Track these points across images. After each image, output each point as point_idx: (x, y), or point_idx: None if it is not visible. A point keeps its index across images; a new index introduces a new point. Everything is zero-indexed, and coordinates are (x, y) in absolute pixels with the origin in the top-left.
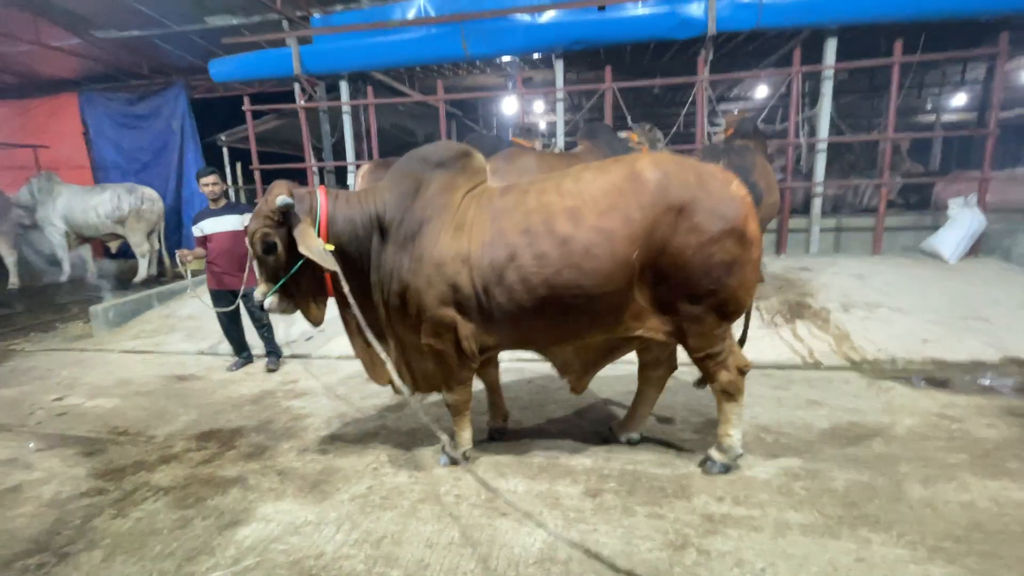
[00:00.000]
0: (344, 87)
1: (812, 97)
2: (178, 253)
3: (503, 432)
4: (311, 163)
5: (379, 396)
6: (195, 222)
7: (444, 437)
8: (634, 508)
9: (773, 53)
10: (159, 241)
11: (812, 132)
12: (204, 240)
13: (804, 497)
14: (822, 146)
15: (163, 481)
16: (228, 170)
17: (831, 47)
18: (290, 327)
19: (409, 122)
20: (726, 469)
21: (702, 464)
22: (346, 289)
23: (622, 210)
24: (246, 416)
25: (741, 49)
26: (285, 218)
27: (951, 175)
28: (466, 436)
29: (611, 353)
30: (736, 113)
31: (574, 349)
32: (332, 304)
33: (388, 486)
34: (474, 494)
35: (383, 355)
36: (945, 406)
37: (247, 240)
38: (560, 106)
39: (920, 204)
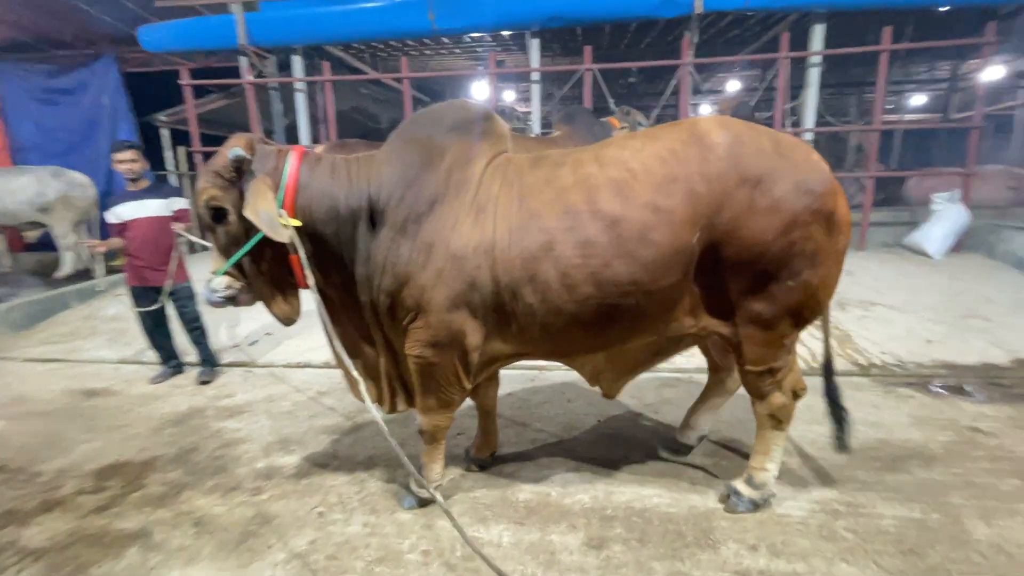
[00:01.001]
0: (297, 62)
1: (793, 90)
2: (87, 244)
3: (485, 465)
4: None
5: (331, 414)
6: (108, 207)
7: (412, 470)
8: (651, 565)
9: (756, 40)
10: (89, 233)
11: (796, 123)
12: (121, 228)
13: (852, 543)
14: (808, 136)
15: (36, 540)
16: (170, 154)
17: (819, 33)
18: (234, 327)
19: (372, 106)
20: (754, 507)
21: (726, 500)
22: (310, 280)
23: (683, 182)
24: (164, 443)
25: (724, 35)
26: (240, 176)
27: (926, 171)
28: (437, 469)
29: (656, 356)
30: (731, 97)
31: (608, 355)
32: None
33: (336, 539)
34: (447, 549)
35: (352, 371)
36: (975, 418)
37: (194, 201)
38: (536, 88)
39: (889, 200)
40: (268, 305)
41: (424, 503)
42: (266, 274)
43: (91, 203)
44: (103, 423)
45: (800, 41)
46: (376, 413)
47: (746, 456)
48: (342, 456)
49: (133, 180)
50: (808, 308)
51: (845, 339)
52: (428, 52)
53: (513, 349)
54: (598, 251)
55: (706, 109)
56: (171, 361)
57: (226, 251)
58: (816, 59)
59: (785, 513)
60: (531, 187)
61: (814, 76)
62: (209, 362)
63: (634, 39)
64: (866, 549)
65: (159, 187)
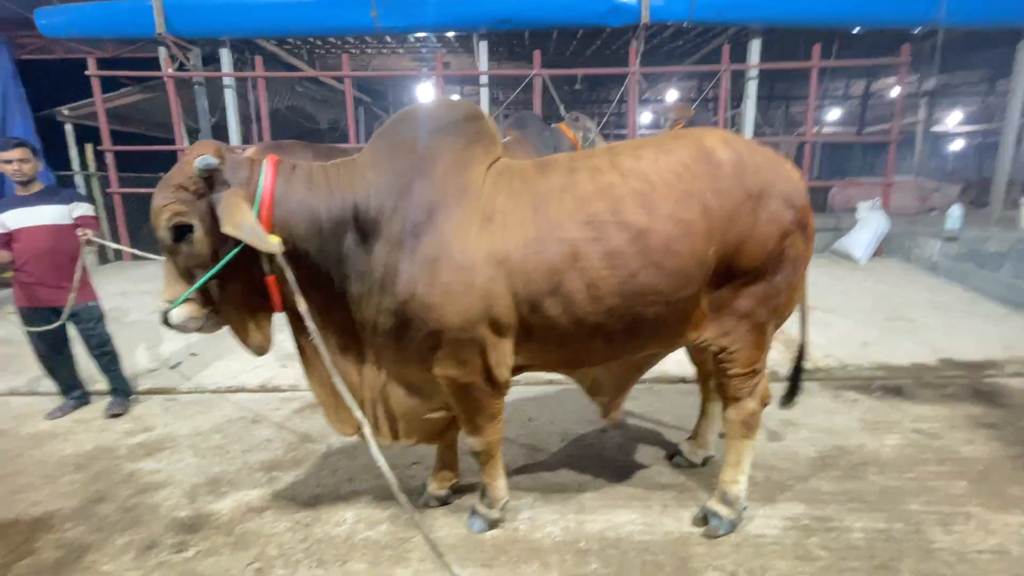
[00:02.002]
0: (225, 56)
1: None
2: None
3: (446, 500)
4: (182, 145)
5: (268, 447)
6: None
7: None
8: None
9: (695, 52)
10: None
11: (737, 132)
12: (7, 239)
13: (827, 561)
14: None
15: None
16: (74, 152)
17: (756, 47)
18: (154, 347)
19: (310, 105)
20: (733, 527)
21: (702, 523)
22: (300, 301)
23: (698, 197)
24: (62, 493)
25: (665, 45)
26: (208, 189)
27: (844, 181)
28: (502, 485)
29: (641, 368)
30: (685, 105)
31: (606, 366)
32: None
33: None
34: None
35: (349, 400)
36: (916, 420)
37: (153, 221)
38: (484, 92)
39: (815, 208)
40: (238, 334)
41: (493, 524)
42: (237, 299)
43: None
44: None
45: (736, 55)
46: (379, 457)
47: (714, 475)
48: (282, 497)
49: (23, 183)
50: (790, 307)
51: (791, 343)
52: (370, 51)
53: (524, 361)
54: (626, 261)
55: (647, 117)
56: (73, 392)
57: (188, 275)
58: (754, 72)
59: (759, 533)
60: (545, 196)
61: (752, 88)
62: (122, 391)
63: (580, 47)
64: (841, 568)
65: (55, 191)
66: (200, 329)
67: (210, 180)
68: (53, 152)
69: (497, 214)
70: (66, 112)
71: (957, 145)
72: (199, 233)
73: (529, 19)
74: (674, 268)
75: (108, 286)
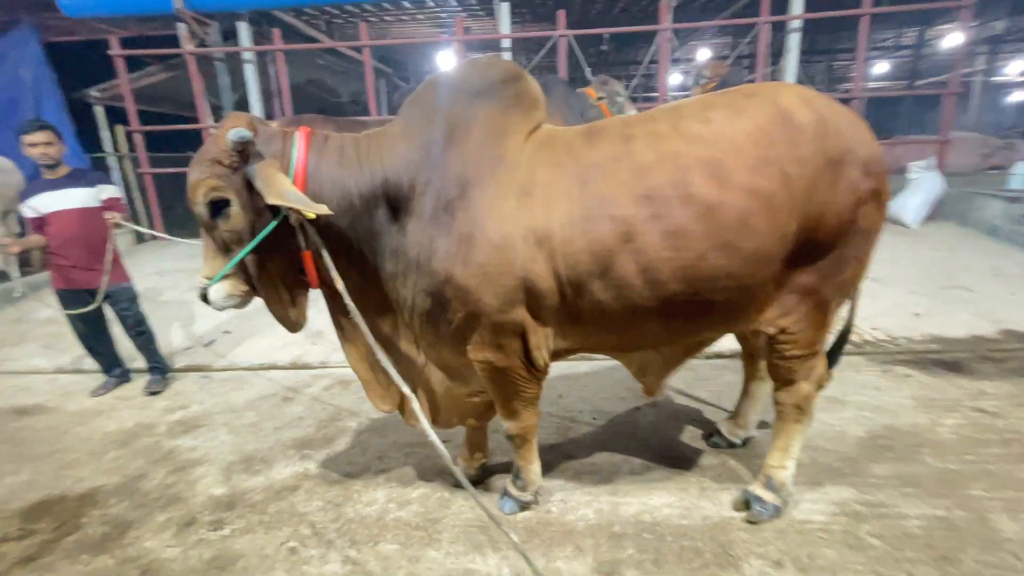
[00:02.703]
0: (244, 30)
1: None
2: None
3: (476, 479)
4: (206, 123)
5: (300, 424)
6: (24, 198)
7: (517, 477)
8: None
9: (730, 6)
10: (19, 224)
11: None
12: (40, 223)
13: (881, 551)
14: None
15: None
16: (106, 134)
17: None
18: (188, 326)
19: (331, 78)
20: (777, 513)
21: (743, 507)
22: (336, 278)
23: (776, 164)
24: (106, 470)
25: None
26: (243, 162)
27: (892, 139)
28: (535, 470)
29: (697, 347)
30: (719, 62)
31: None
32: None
33: None
34: None
35: (397, 378)
36: (975, 396)
37: (189, 197)
38: (507, 57)
39: None
40: (274, 310)
41: (525, 507)
42: (274, 274)
43: (15, 190)
44: (33, 449)
45: (775, 8)
46: (431, 433)
47: (756, 456)
48: (314, 476)
49: (49, 167)
50: (856, 282)
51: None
52: (388, 19)
53: (573, 345)
54: (692, 242)
55: (677, 78)
56: (114, 370)
57: (226, 251)
58: (796, 24)
59: (805, 519)
60: (595, 167)
61: (794, 41)
62: (159, 369)
63: (606, 5)
64: (897, 558)
65: (81, 174)
66: (238, 306)
67: (244, 153)
68: (86, 134)
69: (537, 188)
70: (95, 94)
71: (1018, 97)
72: (235, 207)
73: None
74: (752, 248)
75: (144, 266)
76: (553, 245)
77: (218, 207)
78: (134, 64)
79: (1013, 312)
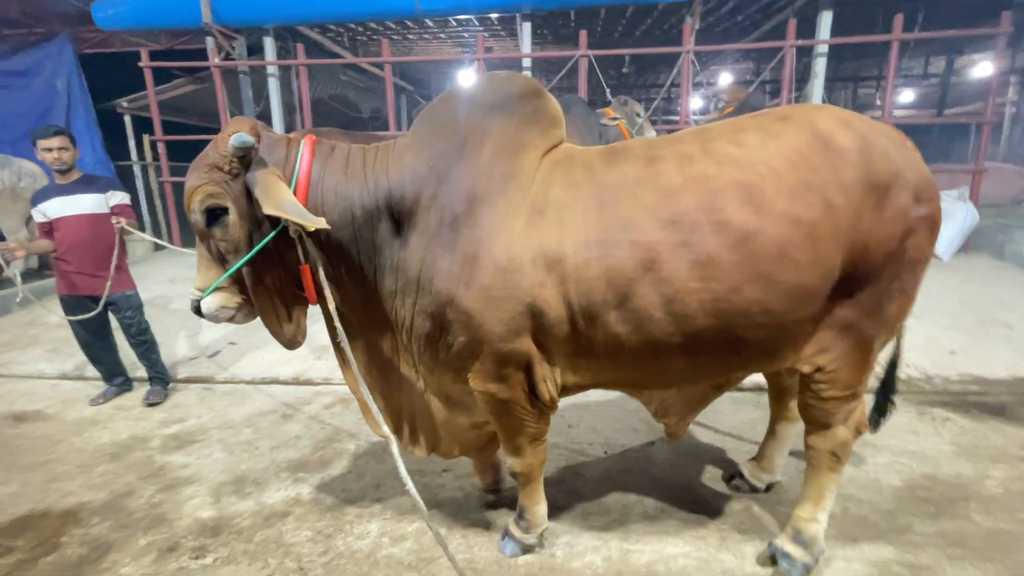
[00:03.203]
0: (269, 44)
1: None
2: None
3: (496, 489)
4: None
5: (297, 445)
6: (35, 203)
7: (521, 517)
8: None
9: (754, 31)
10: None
11: None
12: (48, 227)
13: None
14: None
15: None
16: (132, 143)
17: (826, 21)
18: (193, 336)
19: (353, 94)
20: (807, 572)
21: (770, 562)
22: (328, 295)
23: (819, 191)
24: (95, 484)
25: (721, 23)
26: (243, 169)
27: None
28: (541, 511)
29: (721, 389)
30: (739, 87)
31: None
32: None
33: None
34: None
35: (377, 415)
36: None
37: (186, 203)
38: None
39: None
40: (270, 325)
41: (527, 550)
42: (271, 288)
43: None
44: (25, 458)
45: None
46: (403, 471)
47: (782, 502)
48: (306, 502)
49: (62, 172)
50: (902, 318)
51: None
52: (411, 36)
53: (584, 380)
54: (723, 273)
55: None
56: (115, 378)
57: (221, 262)
58: (823, 48)
59: None
60: (615, 188)
61: (820, 66)
62: (161, 379)
63: (629, 26)
64: None
65: (93, 180)
66: (232, 319)
67: (245, 160)
68: (113, 143)
69: (551, 207)
70: (125, 104)
71: None
72: (233, 216)
73: None
74: (792, 282)
75: (157, 273)
76: (565, 270)
77: (215, 215)
78: (164, 76)
79: None
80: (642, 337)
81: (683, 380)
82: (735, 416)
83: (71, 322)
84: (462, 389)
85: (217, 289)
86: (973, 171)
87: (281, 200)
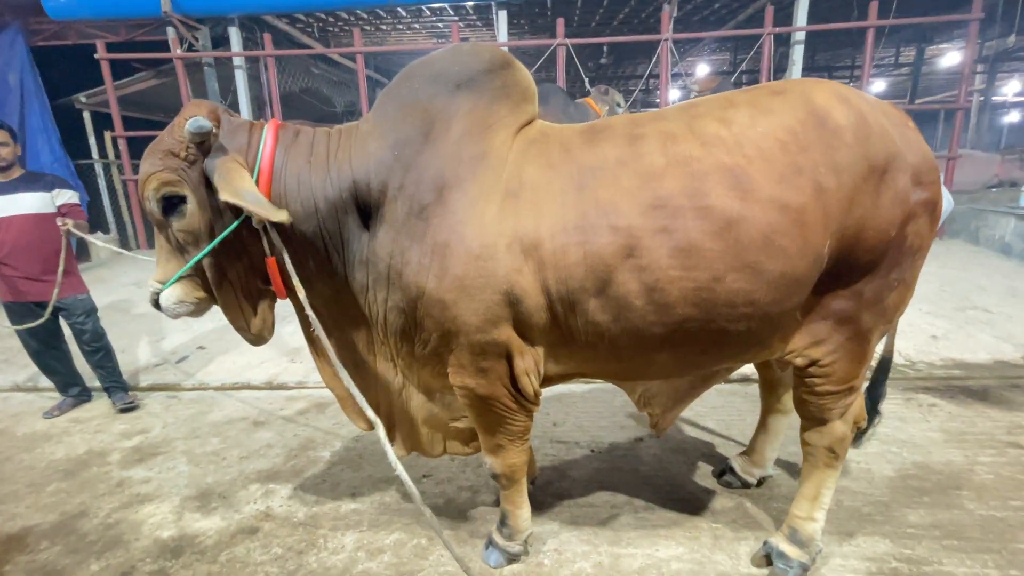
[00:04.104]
0: (235, 35)
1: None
2: None
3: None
4: None
5: (268, 454)
6: None
7: (503, 524)
8: None
9: (730, 19)
10: None
11: None
12: None
13: None
14: None
15: None
16: (93, 140)
17: (802, 8)
18: (158, 341)
19: (326, 88)
20: (804, 572)
21: (765, 562)
22: (298, 287)
23: (809, 173)
24: (45, 505)
25: (698, 12)
26: (202, 155)
27: None
28: (524, 516)
29: (708, 381)
30: (712, 76)
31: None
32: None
33: None
34: None
35: (363, 403)
36: (1010, 431)
37: (139, 191)
38: None
39: None
40: (233, 320)
41: (512, 559)
42: (235, 282)
43: None
44: None
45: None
46: (392, 455)
47: (775, 497)
48: (276, 516)
49: (2, 169)
50: (901, 308)
51: None
52: (384, 27)
53: (566, 370)
54: (706, 261)
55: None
56: (71, 389)
57: (181, 253)
58: (800, 36)
59: None
60: (594, 169)
61: (798, 54)
62: (116, 389)
63: (606, 15)
64: None
65: (37, 177)
66: (192, 314)
67: (204, 146)
68: (73, 141)
69: (525, 190)
70: (83, 99)
71: (1013, 117)
72: (192, 205)
73: None
74: (778, 271)
75: (121, 276)
76: (542, 255)
77: (172, 204)
78: (125, 70)
79: None
80: (623, 326)
81: (667, 371)
82: (723, 410)
83: (19, 331)
84: (442, 383)
85: (178, 281)
86: (947, 158)
87: (240, 188)
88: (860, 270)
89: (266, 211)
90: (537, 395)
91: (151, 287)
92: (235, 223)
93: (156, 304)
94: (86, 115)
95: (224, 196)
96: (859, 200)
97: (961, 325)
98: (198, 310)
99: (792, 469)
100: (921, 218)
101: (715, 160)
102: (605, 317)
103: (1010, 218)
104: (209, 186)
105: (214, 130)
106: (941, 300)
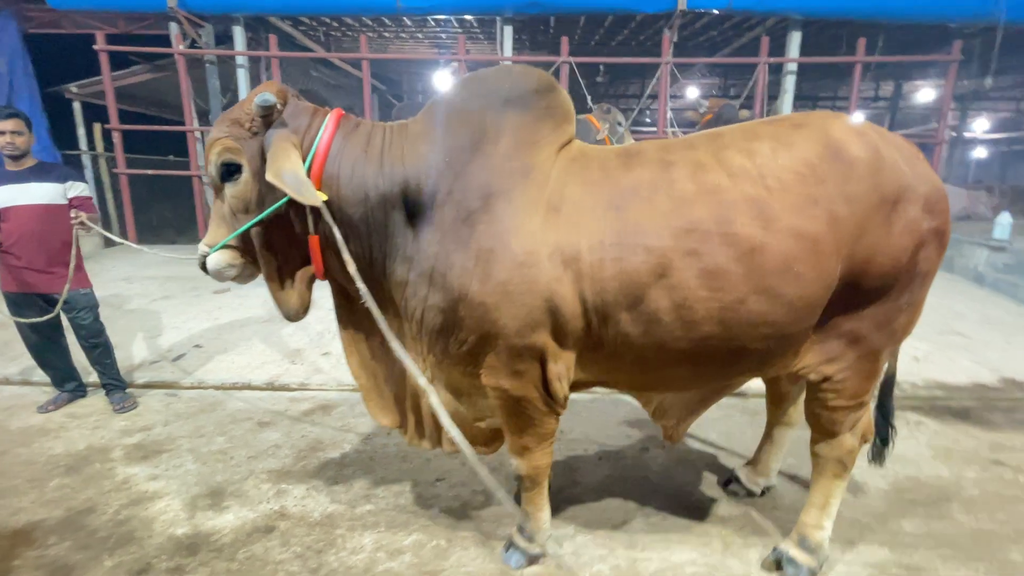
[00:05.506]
0: (239, 34)
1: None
2: None
3: None
4: (193, 126)
5: (277, 453)
6: None
7: (524, 525)
8: None
9: (727, 46)
10: None
11: None
12: None
13: None
14: None
15: None
16: (82, 131)
17: (795, 41)
18: (154, 338)
19: (324, 90)
20: None
21: (775, 567)
22: (348, 261)
23: (824, 204)
24: (49, 500)
25: (695, 38)
26: (264, 128)
27: None
28: (545, 517)
29: (720, 393)
30: (720, 98)
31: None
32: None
33: None
34: None
35: (413, 368)
36: (993, 448)
37: (205, 154)
38: None
39: None
40: (274, 292)
41: (533, 560)
42: (279, 255)
43: None
44: None
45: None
46: (447, 420)
47: (779, 507)
48: (291, 515)
49: (14, 158)
50: (909, 329)
51: None
52: (387, 35)
53: (590, 378)
54: (731, 284)
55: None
56: (67, 384)
57: (231, 219)
58: (792, 66)
59: None
60: (630, 192)
61: (790, 83)
62: (116, 386)
63: (605, 36)
64: None
65: (49, 168)
66: (236, 279)
67: (267, 120)
68: (60, 131)
69: (566, 205)
70: (74, 89)
71: (980, 152)
72: (246, 174)
73: (559, 2)
74: (794, 295)
75: (110, 271)
76: (580, 267)
77: (230, 171)
78: (119, 63)
79: (1011, 361)
80: (650, 339)
81: (686, 384)
82: (723, 423)
83: (19, 323)
84: (471, 383)
85: (224, 247)
86: None
87: (282, 168)
88: (873, 293)
89: (301, 193)
90: (566, 399)
91: (200, 249)
92: (283, 199)
93: (203, 267)
94: (76, 105)
95: (267, 175)
96: (870, 228)
97: (942, 348)
98: (242, 276)
99: (791, 480)
100: (931, 245)
101: (740, 190)
102: (635, 330)
103: (984, 249)
104: (264, 159)
105: (278, 106)
106: (922, 324)
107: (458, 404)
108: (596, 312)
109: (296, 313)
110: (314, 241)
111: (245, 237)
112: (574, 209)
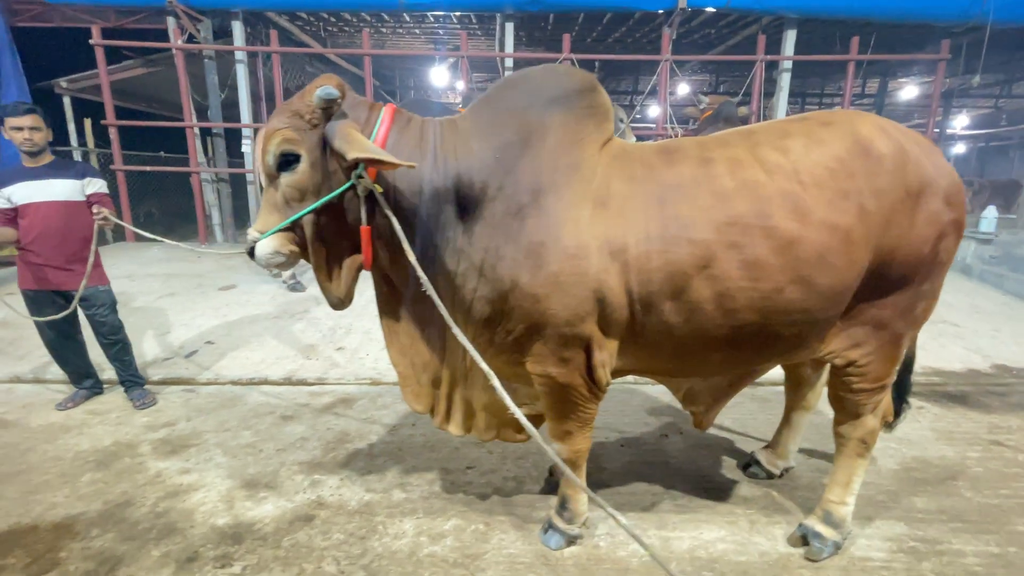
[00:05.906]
0: (238, 29)
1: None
2: None
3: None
4: (192, 122)
5: (305, 446)
6: None
7: (563, 508)
8: None
9: (722, 43)
10: None
11: None
12: (13, 214)
13: None
14: None
15: None
16: (72, 127)
17: (791, 38)
18: (164, 335)
19: None
20: (837, 549)
21: (801, 542)
22: (406, 247)
23: (855, 198)
24: (84, 494)
25: (691, 35)
26: (324, 120)
27: None
28: (584, 500)
29: (744, 379)
30: (719, 96)
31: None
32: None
33: None
34: None
35: (469, 347)
36: (991, 430)
37: (263, 144)
38: None
39: None
40: (322, 281)
41: (572, 541)
42: (328, 243)
43: None
44: None
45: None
46: (509, 401)
47: (799, 487)
48: (329, 504)
49: (32, 154)
50: (928, 314)
51: None
52: (385, 30)
53: (627, 366)
54: (769, 274)
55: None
56: (85, 381)
57: (283, 208)
58: (787, 64)
59: (864, 556)
60: (674, 188)
61: (785, 80)
62: (134, 383)
63: (603, 33)
64: None
65: (67, 164)
66: (282, 266)
67: (327, 112)
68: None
69: (613, 199)
70: (64, 84)
71: (959, 148)
72: (304, 164)
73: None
74: (827, 285)
75: (112, 269)
76: (627, 259)
77: (287, 161)
78: (111, 58)
79: (1000, 348)
80: (691, 327)
81: (720, 370)
82: (737, 409)
83: (37, 321)
84: (514, 371)
85: (275, 234)
86: None
87: (367, 145)
88: (897, 282)
89: (395, 159)
90: (608, 384)
91: (250, 236)
92: (343, 187)
93: (251, 253)
94: (66, 100)
95: (352, 154)
96: (896, 220)
97: (935, 337)
98: (288, 263)
99: (808, 462)
100: (950, 236)
101: (777, 185)
102: (677, 318)
103: (970, 241)
104: (323, 150)
105: (339, 100)
106: None
107: (495, 393)
108: (641, 302)
109: (341, 301)
110: (366, 231)
111: (295, 226)
112: (620, 203)
